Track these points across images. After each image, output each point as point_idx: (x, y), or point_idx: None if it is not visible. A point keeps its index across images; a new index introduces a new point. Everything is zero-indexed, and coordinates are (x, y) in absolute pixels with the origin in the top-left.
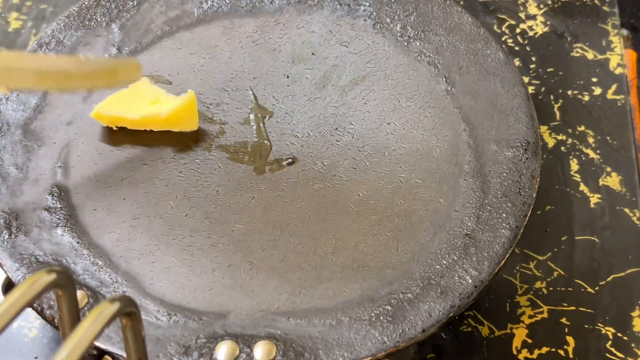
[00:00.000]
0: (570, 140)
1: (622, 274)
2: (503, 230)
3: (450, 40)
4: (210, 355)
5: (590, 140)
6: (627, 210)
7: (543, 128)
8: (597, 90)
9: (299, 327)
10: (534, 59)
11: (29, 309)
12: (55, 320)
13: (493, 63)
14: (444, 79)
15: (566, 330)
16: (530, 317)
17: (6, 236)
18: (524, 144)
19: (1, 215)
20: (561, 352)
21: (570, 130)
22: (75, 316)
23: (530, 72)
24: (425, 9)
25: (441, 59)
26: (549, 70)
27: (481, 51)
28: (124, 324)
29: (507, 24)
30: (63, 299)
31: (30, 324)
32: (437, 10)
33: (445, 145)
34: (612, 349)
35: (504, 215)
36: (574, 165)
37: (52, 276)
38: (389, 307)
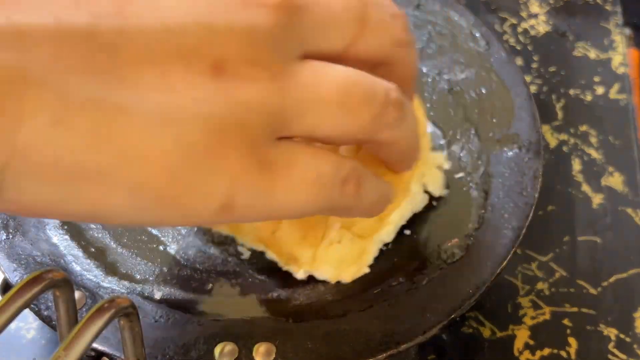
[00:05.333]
0: (572, 140)
1: (625, 274)
2: (505, 231)
3: (451, 39)
4: (210, 356)
5: (593, 140)
6: (629, 210)
7: (545, 128)
8: (600, 90)
9: (299, 328)
10: (535, 58)
11: (27, 310)
12: (53, 321)
13: (495, 62)
14: (445, 78)
15: (568, 331)
16: (532, 318)
17: (3, 236)
18: (526, 144)
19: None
20: (563, 353)
21: (572, 130)
22: (73, 317)
23: (532, 71)
24: (426, 8)
25: (442, 59)
26: (550, 69)
27: (483, 50)
28: (121, 325)
29: (508, 23)
30: (61, 300)
31: (29, 325)
32: (438, 9)
33: (446, 146)
34: (615, 350)
35: (505, 215)
36: (576, 165)
37: (50, 277)
38: (389, 308)
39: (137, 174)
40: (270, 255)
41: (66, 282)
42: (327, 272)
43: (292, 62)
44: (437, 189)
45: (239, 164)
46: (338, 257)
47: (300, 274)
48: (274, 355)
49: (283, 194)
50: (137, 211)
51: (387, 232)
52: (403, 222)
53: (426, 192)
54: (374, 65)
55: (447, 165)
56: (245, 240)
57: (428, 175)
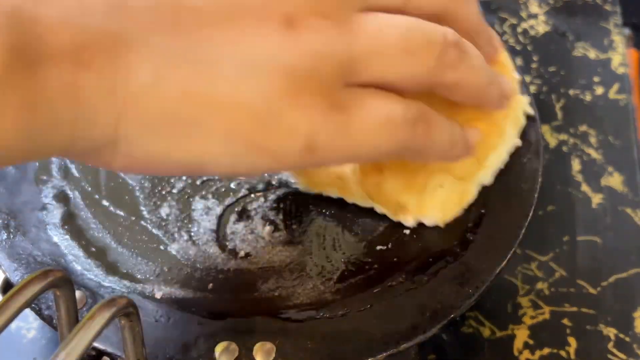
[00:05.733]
0: (572, 140)
1: (624, 274)
2: (505, 231)
3: None
4: (210, 356)
5: (592, 140)
6: (629, 210)
7: (544, 128)
8: (599, 90)
9: (299, 328)
10: (535, 58)
11: (28, 310)
12: (54, 321)
13: None
14: None
15: (568, 331)
16: (531, 317)
17: (4, 236)
18: (526, 144)
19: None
20: (563, 353)
21: (572, 130)
22: (74, 317)
23: (532, 71)
24: None
25: None
26: (550, 69)
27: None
28: (122, 324)
29: (508, 23)
30: (61, 300)
31: (29, 325)
32: None
33: None
34: (614, 350)
35: (505, 215)
36: (576, 165)
37: (50, 277)
38: (389, 308)
39: (228, 121)
40: (379, 208)
41: (67, 282)
42: (435, 216)
43: (356, 14)
44: (519, 131)
45: (316, 108)
46: (442, 201)
47: (410, 222)
48: (274, 355)
49: (358, 133)
50: (232, 158)
51: (486, 173)
52: (501, 165)
53: None
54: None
55: (531, 111)
56: (354, 198)
57: (519, 118)
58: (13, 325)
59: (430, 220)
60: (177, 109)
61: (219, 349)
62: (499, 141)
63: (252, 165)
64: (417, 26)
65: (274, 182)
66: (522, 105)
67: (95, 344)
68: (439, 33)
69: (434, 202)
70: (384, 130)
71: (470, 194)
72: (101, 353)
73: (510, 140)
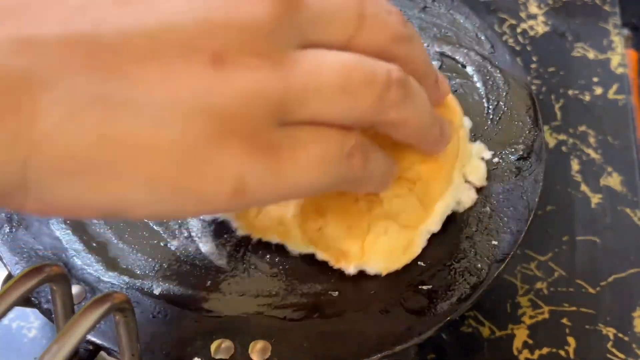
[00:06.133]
0: (571, 140)
1: (623, 274)
2: (504, 235)
3: (456, 40)
4: (206, 353)
5: (592, 140)
6: (628, 210)
7: (544, 128)
8: (598, 90)
9: (295, 328)
10: (534, 58)
11: (29, 309)
12: (53, 315)
13: (499, 64)
14: (448, 81)
15: (567, 330)
16: (531, 317)
17: (7, 230)
18: (527, 147)
19: (2, 209)
20: (562, 352)
21: (571, 130)
22: (70, 311)
23: (531, 71)
24: (432, 11)
25: (447, 60)
26: (549, 70)
27: (488, 53)
28: (117, 320)
29: (507, 23)
30: (57, 294)
31: (30, 324)
32: (444, 11)
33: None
34: (613, 350)
35: (505, 219)
36: (575, 165)
37: (46, 271)
38: (386, 309)
39: (149, 166)
40: (321, 255)
41: (63, 277)
42: (377, 265)
43: (292, 51)
44: (478, 179)
45: (244, 150)
46: (386, 249)
47: (351, 269)
48: (269, 354)
49: (291, 174)
50: (155, 203)
51: (433, 221)
52: (448, 211)
53: (467, 182)
54: None
55: (488, 155)
56: (294, 244)
57: (468, 165)
58: (14, 324)
59: (372, 269)
60: (91, 153)
61: (214, 346)
62: (445, 188)
63: (178, 210)
64: (358, 63)
65: None
66: (475, 151)
67: (93, 339)
68: (382, 70)
69: (377, 249)
70: (318, 169)
71: (416, 243)
72: (98, 347)
73: (458, 187)
